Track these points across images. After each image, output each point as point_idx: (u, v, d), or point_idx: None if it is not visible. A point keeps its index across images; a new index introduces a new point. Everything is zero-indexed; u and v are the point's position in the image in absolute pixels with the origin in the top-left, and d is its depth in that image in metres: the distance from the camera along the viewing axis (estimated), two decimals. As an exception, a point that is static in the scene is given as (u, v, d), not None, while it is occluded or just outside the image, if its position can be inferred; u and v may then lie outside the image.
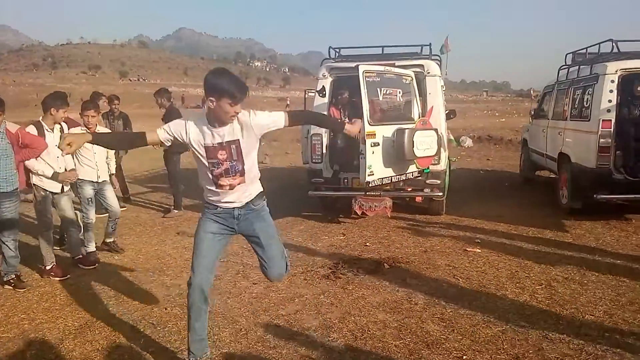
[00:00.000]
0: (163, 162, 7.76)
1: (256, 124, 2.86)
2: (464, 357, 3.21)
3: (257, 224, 3.06)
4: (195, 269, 2.98)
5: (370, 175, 5.65)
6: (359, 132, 3.59)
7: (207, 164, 2.87)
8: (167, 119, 5.57)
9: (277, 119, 2.95)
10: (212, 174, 2.89)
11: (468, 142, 16.68)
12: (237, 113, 2.75)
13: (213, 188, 2.94)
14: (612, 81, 6.21)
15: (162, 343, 3.48)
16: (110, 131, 6.58)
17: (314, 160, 6.62)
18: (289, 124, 3.00)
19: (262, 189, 3.13)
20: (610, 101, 6.17)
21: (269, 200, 3.17)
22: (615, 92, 6.18)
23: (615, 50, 6.65)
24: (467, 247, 5.56)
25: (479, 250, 5.45)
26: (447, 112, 7.82)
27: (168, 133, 2.86)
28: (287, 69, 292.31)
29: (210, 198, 3.02)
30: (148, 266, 5.21)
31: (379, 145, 5.71)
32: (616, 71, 6.24)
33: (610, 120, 6.13)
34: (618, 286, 4.37)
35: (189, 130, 2.84)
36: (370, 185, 5.75)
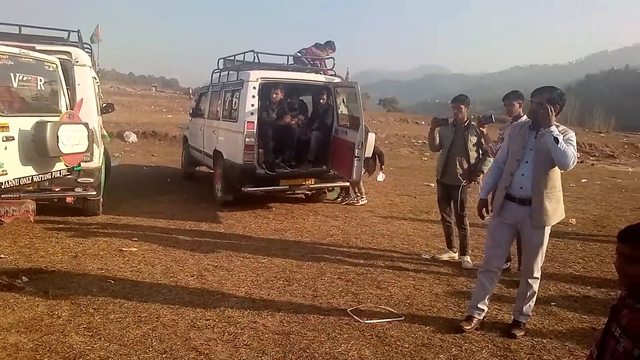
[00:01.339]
0: None
1: None
2: (111, 364, 3.08)
3: None
4: None
5: (3, 175, 4.79)
6: None
7: None
8: None
9: None
10: None
11: (132, 138, 16.25)
12: None
13: None
14: (254, 87, 7.05)
15: None
16: None
17: None
18: None
19: None
20: (253, 105, 6.99)
21: None
22: (256, 97, 7.04)
23: (256, 60, 7.57)
24: (123, 247, 5.38)
25: (136, 249, 5.35)
26: (104, 105, 7.38)
27: None
28: None
29: None
30: None
31: (14, 139, 4.90)
32: (257, 79, 7.11)
33: (253, 122, 6.95)
34: (257, 267, 5.01)
35: None
36: (4, 186, 4.88)
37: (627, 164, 19.98)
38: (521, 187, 3.62)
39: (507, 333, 3.74)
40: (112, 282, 4.42)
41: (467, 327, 3.76)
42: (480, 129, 5.30)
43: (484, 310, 3.88)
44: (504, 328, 3.84)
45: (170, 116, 22.19)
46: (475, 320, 3.83)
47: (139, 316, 3.75)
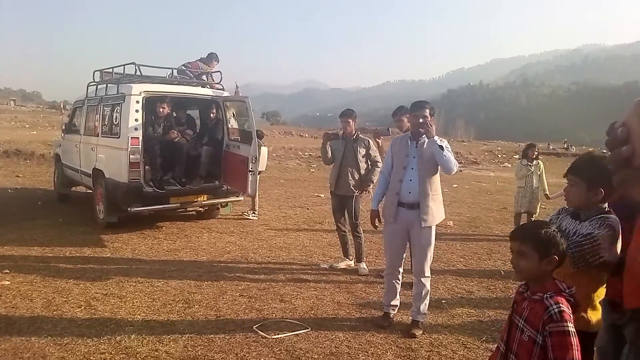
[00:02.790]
0: None
1: None
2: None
3: None
4: None
5: None
6: None
7: None
8: None
9: None
10: None
11: (-8, 157, 14.48)
12: None
13: None
14: (137, 101, 6.68)
15: None
16: None
17: None
18: None
19: None
20: (137, 120, 6.62)
21: None
22: (141, 111, 6.68)
23: (138, 72, 7.19)
24: (-7, 282, 4.75)
25: (8, 283, 4.75)
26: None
27: None
28: None
29: None
30: None
31: None
32: (140, 92, 6.76)
33: (138, 137, 6.58)
34: (153, 292, 4.72)
35: None
36: None
37: (489, 169, 22.32)
38: (409, 192, 3.96)
39: (407, 333, 3.96)
40: (-17, 322, 3.88)
41: (386, 324, 4.10)
42: (377, 140, 5.59)
43: (397, 305, 4.24)
44: (403, 329, 4.05)
45: (34, 132, 20.17)
46: (391, 316, 4.18)
47: (20, 357, 3.33)
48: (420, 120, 3.92)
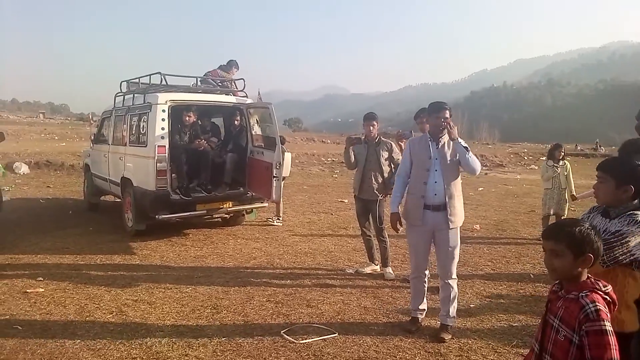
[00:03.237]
0: None
1: None
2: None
3: None
4: None
5: None
6: None
7: None
8: None
9: None
10: None
11: (24, 169, 14.91)
12: None
13: None
14: (164, 110, 6.80)
15: None
16: None
17: None
18: None
19: None
20: (163, 129, 6.74)
21: None
22: (166, 120, 6.80)
23: (164, 82, 7.33)
24: (28, 289, 4.89)
25: (42, 290, 4.89)
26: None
27: None
28: None
29: None
30: None
31: None
32: (166, 101, 6.88)
33: (165, 146, 6.70)
34: (181, 298, 4.79)
35: None
36: None
37: (515, 171, 21.96)
38: (435, 194, 3.93)
39: (436, 337, 3.92)
40: (20, 327, 3.99)
41: (414, 328, 4.08)
42: (400, 143, 5.58)
43: (424, 310, 4.21)
44: (432, 333, 4.01)
45: (63, 144, 20.71)
46: (419, 321, 4.16)
47: (54, 364, 3.42)
48: (442, 121, 3.91)
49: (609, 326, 1.65)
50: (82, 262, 5.94)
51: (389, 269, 5.62)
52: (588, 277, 1.79)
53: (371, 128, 5.56)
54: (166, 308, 4.51)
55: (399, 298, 4.88)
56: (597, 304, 1.68)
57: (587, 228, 1.79)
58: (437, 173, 3.94)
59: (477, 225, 8.44)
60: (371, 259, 5.84)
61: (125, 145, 7.61)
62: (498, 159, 25.18)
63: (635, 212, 2.08)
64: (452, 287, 4.00)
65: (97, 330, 4.00)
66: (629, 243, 1.98)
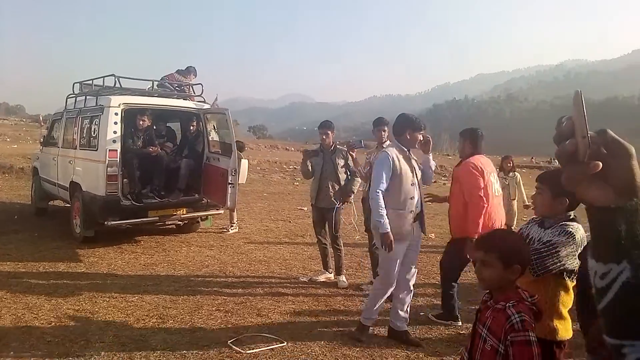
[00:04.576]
0: None
1: None
2: None
3: None
4: None
5: None
6: None
7: None
8: None
9: None
10: None
11: (-31, 172, 14.19)
12: None
13: None
14: (116, 114, 6.61)
15: None
16: None
17: None
18: None
19: None
20: (115, 132, 6.54)
21: None
22: (119, 124, 6.60)
23: (117, 85, 7.12)
24: (-40, 299, 4.62)
25: (-23, 299, 4.62)
26: None
27: None
28: None
29: None
30: None
31: None
32: (119, 105, 6.69)
33: (116, 150, 6.49)
34: (126, 307, 4.61)
35: None
36: None
37: (472, 182, 22.45)
38: (417, 207, 4.05)
39: (407, 342, 3.97)
40: (-54, 340, 3.75)
41: (363, 337, 4.07)
42: (350, 153, 5.58)
43: (375, 319, 4.18)
44: (380, 342, 4.00)
45: (15, 146, 19.88)
46: (369, 330, 4.16)
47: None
48: (426, 137, 4.19)
49: (533, 337, 1.67)
50: (23, 270, 5.66)
51: (343, 277, 5.60)
52: (516, 287, 1.81)
53: (325, 137, 5.57)
54: (109, 318, 4.34)
55: (350, 306, 4.86)
56: (523, 314, 1.70)
57: (517, 239, 1.82)
58: (417, 186, 4.05)
59: (433, 235, 8.54)
60: (325, 267, 5.81)
61: (76, 148, 7.35)
62: (457, 170, 25.70)
63: (568, 223, 2.12)
64: (411, 293, 4.13)
65: (33, 342, 3.80)
66: (560, 253, 2.02)
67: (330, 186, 5.52)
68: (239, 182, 6.97)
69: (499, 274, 1.77)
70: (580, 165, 0.70)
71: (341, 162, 5.57)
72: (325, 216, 5.62)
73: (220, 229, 8.44)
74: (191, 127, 7.78)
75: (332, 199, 5.51)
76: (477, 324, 1.86)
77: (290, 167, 20.52)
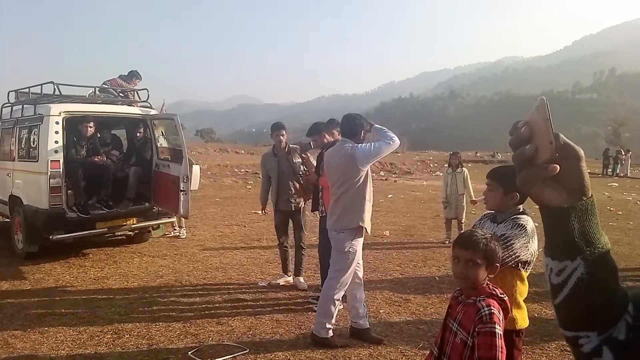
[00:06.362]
0: None
1: None
2: None
3: None
4: None
5: None
6: None
7: None
8: None
9: None
10: None
11: None
12: None
13: None
14: (57, 122, 6.32)
15: None
16: None
17: None
18: None
19: None
20: (57, 142, 6.25)
21: None
22: (60, 133, 6.31)
23: (57, 92, 6.80)
24: None
25: None
26: None
27: None
28: None
29: None
30: None
31: None
32: (60, 113, 6.40)
33: (59, 160, 6.21)
34: (78, 324, 4.42)
35: None
36: None
37: (422, 178, 23.01)
38: None
39: (372, 340, 4.02)
40: None
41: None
42: (304, 155, 5.59)
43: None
44: (342, 342, 4.03)
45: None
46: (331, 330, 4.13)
47: None
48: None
49: (499, 329, 1.73)
50: (-39, 292, 5.31)
51: (302, 279, 5.60)
52: (487, 283, 1.87)
53: (282, 137, 5.54)
54: (60, 336, 4.14)
55: (311, 308, 4.87)
56: (492, 307, 1.76)
57: (495, 239, 1.89)
58: None
59: (387, 232, 8.70)
60: (285, 271, 5.78)
61: (14, 160, 6.97)
62: (406, 167, 26.26)
63: (519, 216, 2.23)
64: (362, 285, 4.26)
65: (-23, 368, 3.58)
66: (514, 245, 2.12)
67: (291, 187, 5.51)
68: (192, 188, 6.82)
69: (482, 273, 1.83)
70: (538, 168, 0.73)
71: (298, 160, 5.57)
72: (292, 218, 5.60)
73: (174, 236, 8.23)
74: (138, 134, 7.55)
75: (296, 199, 5.49)
76: (448, 319, 1.92)
77: (242, 170, 20.31)
